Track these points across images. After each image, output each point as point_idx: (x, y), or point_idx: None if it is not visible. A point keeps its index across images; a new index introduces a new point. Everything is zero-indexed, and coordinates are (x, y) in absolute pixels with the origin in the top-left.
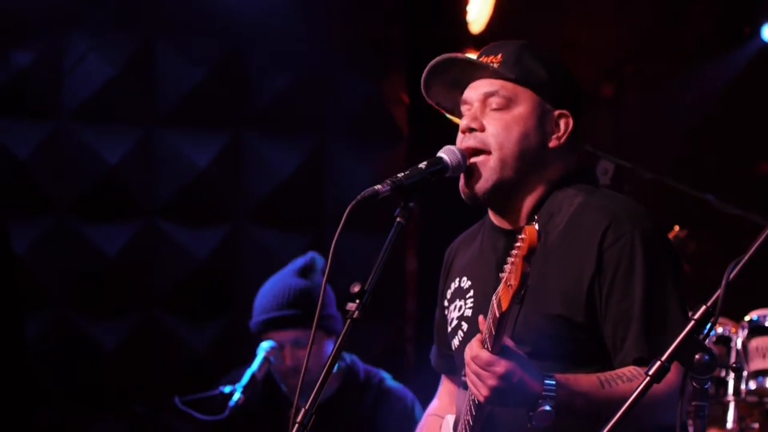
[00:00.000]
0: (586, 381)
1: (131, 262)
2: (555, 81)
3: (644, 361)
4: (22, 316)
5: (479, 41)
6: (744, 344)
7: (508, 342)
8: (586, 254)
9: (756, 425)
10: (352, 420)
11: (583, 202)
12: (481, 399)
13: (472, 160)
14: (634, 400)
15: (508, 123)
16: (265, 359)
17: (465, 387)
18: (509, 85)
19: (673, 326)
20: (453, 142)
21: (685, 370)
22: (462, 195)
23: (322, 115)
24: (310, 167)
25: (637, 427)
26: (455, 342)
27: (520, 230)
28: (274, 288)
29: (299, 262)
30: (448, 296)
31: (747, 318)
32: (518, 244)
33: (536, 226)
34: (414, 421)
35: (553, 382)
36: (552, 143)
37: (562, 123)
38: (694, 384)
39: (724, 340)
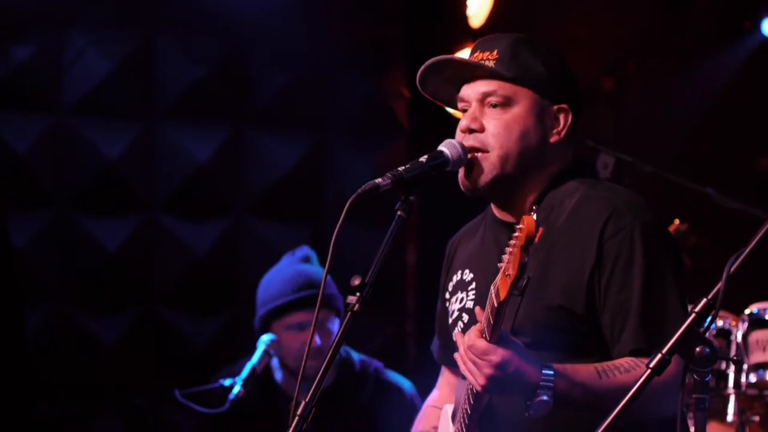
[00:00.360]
0: (584, 371)
1: (131, 256)
2: (552, 76)
3: (641, 353)
4: (22, 310)
5: (479, 36)
6: (744, 337)
7: (506, 331)
8: (587, 246)
9: (756, 418)
10: (350, 411)
11: (585, 194)
12: (478, 388)
13: (473, 154)
14: (635, 392)
15: (508, 122)
16: (265, 352)
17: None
18: (507, 84)
19: (672, 318)
20: (453, 136)
21: (684, 363)
22: (462, 188)
23: (322, 110)
24: (311, 161)
25: (635, 418)
26: (456, 333)
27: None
28: (281, 276)
29: (298, 253)
30: (450, 288)
31: (747, 311)
32: (516, 234)
33: (534, 217)
34: (414, 411)
35: (551, 372)
36: (552, 138)
37: (561, 118)
38: (695, 376)
39: (725, 333)
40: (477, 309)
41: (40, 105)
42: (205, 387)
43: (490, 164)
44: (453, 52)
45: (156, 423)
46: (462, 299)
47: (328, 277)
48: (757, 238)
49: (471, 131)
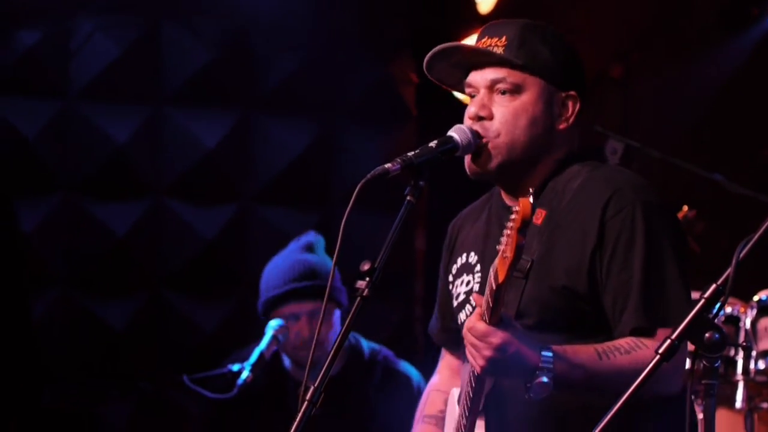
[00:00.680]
0: (583, 352)
1: (139, 241)
2: (560, 63)
3: (642, 332)
4: (29, 295)
5: (487, 22)
6: (753, 324)
7: (507, 314)
8: (589, 226)
9: (765, 405)
10: (358, 398)
11: (588, 176)
12: (478, 370)
13: (482, 140)
14: (643, 378)
15: (517, 110)
16: (274, 338)
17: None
18: (516, 71)
19: (673, 298)
20: (462, 122)
21: (695, 349)
22: (468, 172)
23: (331, 95)
24: (319, 146)
25: (636, 398)
26: (461, 316)
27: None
28: (284, 264)
29: (302, 240)
30: (454, 271)
31: (756, 298)
32: (513, 216)
33: (530, 199)
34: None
35: (551, 354)
36: (561, 125)
37: (569, 104)
38: (705, 362)
39: (733, 320)
40: (475, 295)
41: (47, 90)
42: (214, 372)
43: (497, 150)
44: (461, 38)
45: (163, 407)
46: (468, 282)
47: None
48: (766, 224)
49: (480, 119)
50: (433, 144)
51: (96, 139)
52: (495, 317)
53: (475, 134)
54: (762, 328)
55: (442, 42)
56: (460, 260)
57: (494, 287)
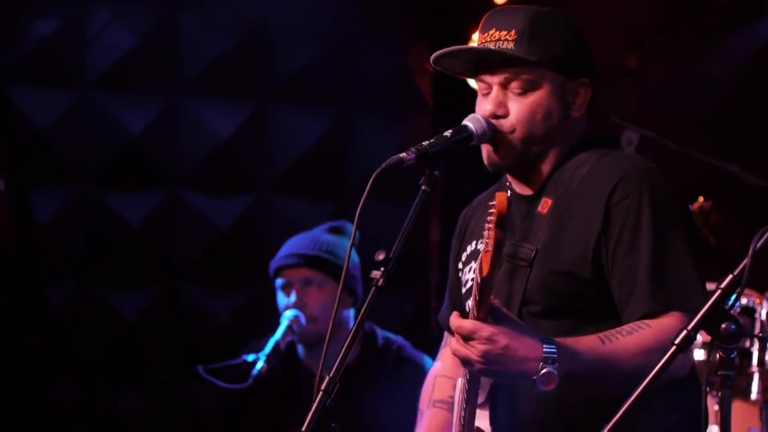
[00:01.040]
0: (586, 340)
1: (154, 231)
2: (572, 52)
3: (650, 317)
4: (44, 285)
5: None
6: None
7: (499, 307)
8: (595, 211)
9: None
10: (372, 387)
11: (597, 162)
12: (475, 371)
13: (498, 131)
14: (660, 369)
15: (532, 106)
16: (289, 328)
17: None
18: (528, 68)
19: (682, 280)
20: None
21: (711, 340)
22: (486, 163)
23: (346, 85)
24: (334, 136)
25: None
26: (469, 303)
27: (538, 195)
28: (302, 237)
29: (330, 223)
30: (464, 258)
31: None
32: (490, 210)
33: (508, 194)
34: None
35: (554, 347)
36: (575, 114)
37: (581, 92)
38: (720, 353)
39: (749, 311)
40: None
41: (63, 79)
42: (229, 363)
43: (515, 144)
44: (477, 27)
45: (178, 398)
46: (476, 269)
47: (355, 258)
48: None
49: (496, 117)
50: (447, 133)
51: (112, 129)
52: (483, 311)
53: (491, 124)
54: None
55: (458, 32)
56: (470, 248)
57: (479, 281)
